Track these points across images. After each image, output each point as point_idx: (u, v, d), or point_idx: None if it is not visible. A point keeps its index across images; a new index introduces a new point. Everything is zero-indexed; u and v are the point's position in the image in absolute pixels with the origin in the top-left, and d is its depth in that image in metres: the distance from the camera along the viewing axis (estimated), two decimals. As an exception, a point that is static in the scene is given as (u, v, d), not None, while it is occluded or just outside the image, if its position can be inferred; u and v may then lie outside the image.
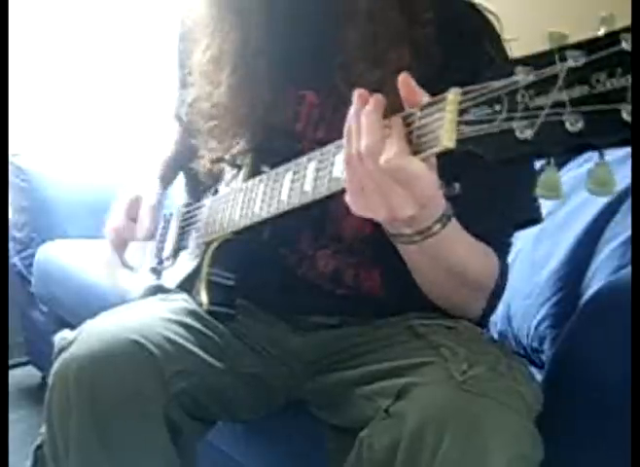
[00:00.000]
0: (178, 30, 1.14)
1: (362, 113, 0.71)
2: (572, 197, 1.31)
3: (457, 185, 0.77)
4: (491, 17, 0.94)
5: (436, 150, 0.65)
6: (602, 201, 1.23)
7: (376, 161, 0.68)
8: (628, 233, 1.13)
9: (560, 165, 1.30)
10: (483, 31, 0.92)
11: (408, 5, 0.90)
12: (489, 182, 0.83)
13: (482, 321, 0.94)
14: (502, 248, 0.93)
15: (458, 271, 0.84)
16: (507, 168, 0.83)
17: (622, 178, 1.20)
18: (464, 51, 0.80)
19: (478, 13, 0.94)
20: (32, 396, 2.12)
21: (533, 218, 0.95)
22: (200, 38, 1.02)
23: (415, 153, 0.68)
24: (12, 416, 1.69)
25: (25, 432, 1.83)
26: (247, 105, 0.97)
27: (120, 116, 2.44)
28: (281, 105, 0.97)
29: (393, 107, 0.71)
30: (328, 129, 0.80)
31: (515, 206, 0.91)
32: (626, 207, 1.18)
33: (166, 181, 1.21)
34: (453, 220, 0.78)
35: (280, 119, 0.97)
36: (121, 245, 1.14)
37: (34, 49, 2.33)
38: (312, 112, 0.97)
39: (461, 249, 0.82)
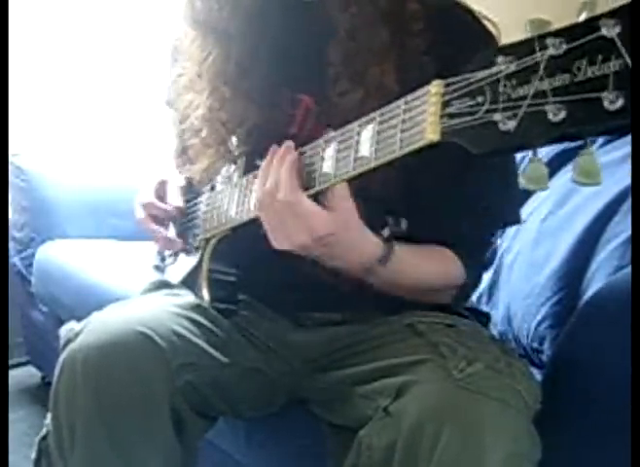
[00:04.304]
0: (171, 43, 1.15)
1: (272, 161, 0.83)
2: (572, 197, 1.31)
3: (404, 221, 0.86)
4: (489, 26, 0.93)
5: (420, 144, 0.65)
6: (602, 201, 1.23)
7: (276, 197, 0.80)
8: (628, 232, 1.13)
9: (559, 167, 1.31)
10: (481, 43, 0.91)
11: (396, 16, 0.89)
12: (474, 190, 0.91)
13: (455, 308, 0.98)
14: (477, 248, 0.99)
15: (413, 288, 0.93)
16: (490, 175, 0.88)
17: (622, 178, 1.20)
18: (461, 61, 0.81)
19: (476, 21, 0.93)
20: (32, 396, 2.13)
21: (513, 221, 1.02)
22: (186, 53, 1.02)
23: (306, 188, 0.80)
24: (12, 416, 1.69)
25: (25, 432, 1.83)
26: (235, 118, 0.97)
27: (120, 117, 2.44)
28: (275, 107, 0.97)
29: None
30: (323, 133, 0.81)
31: (498, 213, 0.97)
32: (626, 207, 1.18)
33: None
34: (398, 253, 0.87)
35: (273, 122, 0.97)
36: (150, 222, 1.12)
37: (34, 49, 2.33)
38: (308, 116, 0.97)
39: (412, 273, 0.91)
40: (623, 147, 1.27)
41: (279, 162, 0.82)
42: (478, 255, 0.99)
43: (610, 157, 1.25)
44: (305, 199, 0.79)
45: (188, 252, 1.12)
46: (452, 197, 0.92)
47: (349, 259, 0.85)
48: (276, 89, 0.97)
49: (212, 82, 0.98)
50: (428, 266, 0.93)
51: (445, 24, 0.90)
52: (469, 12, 0.94)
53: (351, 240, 0.83)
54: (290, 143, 0.84)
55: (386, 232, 0.86)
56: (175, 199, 1.09)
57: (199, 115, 0.99)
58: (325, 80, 0.92)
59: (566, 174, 1.32)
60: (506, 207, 0.98)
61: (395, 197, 0.90)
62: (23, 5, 2.25)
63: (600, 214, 1.23)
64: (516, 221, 1.01)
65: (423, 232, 0.91)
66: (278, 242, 0.83)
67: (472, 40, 0.90)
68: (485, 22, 0.93)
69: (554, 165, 1.29)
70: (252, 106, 0.97)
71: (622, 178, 1.20)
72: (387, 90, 0.86)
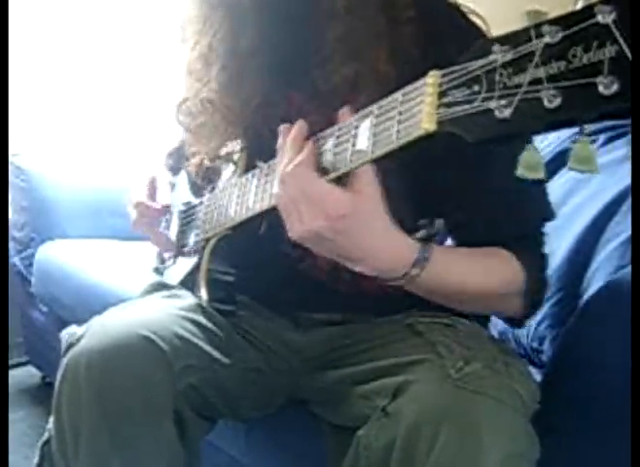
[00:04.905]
0: (179, 35, 1.14)
1: (286, 141, 0.80)
2: (572, 197, 1.31)
3: (440, 222, 0.83)
4: (478, 20, 0.93)
5: (416, 134, 0.65)
6: (602, 202, 1.23)
7: (285, 178, 0.76)
8: (628, 232, 1.13)
9: (559, 166, 1.31)
10: (467, 34, 0.90)
11: (389, 2, 0.89)
12: (514, 184, 0.84)
13: (522, 320, 0.93)
14: (536, 244, 0.92)
15: (463, 293, 0.86)
16: (507, 167, 0.85)
17: (622, 178, 1.20)
18: (446, 54, 0.81)
19: (461, 15, 0.93)
20: (32, 396, 2.13)
21: (548, 214, 0.95)
22: (190, 37, 1.01)
23: (324, 173, 0.76)
24: (12, 416, 1.70)
25: (25, 432, 1.84)
26: (238, 103, 0.96)
27: (119, 117, 2.44)
28: (272, 105, 0.97)
29: (368, 104, 0.74)
30: (312, 129, 0.81)
31: (538, 202, 0.92)
32: (626, 207, 1.18)
33: (173, 171, 1.24)
34: (439, 255, 0.80)
35: (270, 119, 0.97)
36: (145, 222, 1.16)
37: (34, 49, 2.33)
38: (298, 113, 0.97)
39: (458, 275, 0.84)
40: (624, 147, 1.27)
41: (291, 144, 0.79)
42: (539, 249, 0.92)
43: (610, 157, 1.25)
44: (317, 178, 0.75)
45: (184, 254, 1.13)
46: (484, 194, 0.88)
47: (379, 263, 0.78)
48: (272, 88, 0.97)
49: (222, 58, 0.96)
50: (477, 265, 0.86)
51: (431, 17, 0.90)
52: (455, 7, 0.94)
53: (375, 234, 0.76)
54: (302, 123, 0.81)
55: (421, 233, 0.82)
56: (164, 198, 1.14)
57: (208, 90, 0.98)
58: (314, 69, 0.91)
59: (566, 174, 1.32)
60: (538, 200, 0.92)
61: (425, 198, 0.88)
62: (23, 5, 2.25)
63: (600, 214, 1.23)
64: (552, 214, 0.95)
65: (467, 235, 0.87)
66: (294, 231, 0.77)
67: (459, 32, 0.90)
68: (474, 17, 0.93)
69: (554, 166, 1.29)
70: (256, 88, 0.96)
71: (622, 178, 1.20)
72: (382, 72, 0.85)
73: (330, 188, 0.74)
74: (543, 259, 0.92)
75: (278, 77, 0.96)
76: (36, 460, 0.96)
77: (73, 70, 2.42)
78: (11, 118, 1.54)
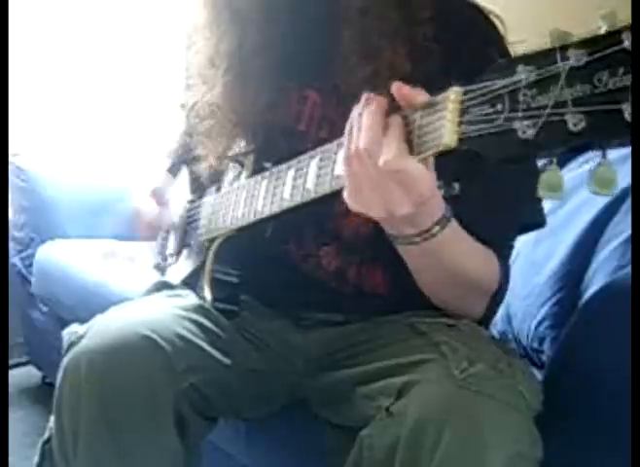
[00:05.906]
0: (184, 42, 1.14)
1: (364, 113, 0.72)
2: (572, 197, 1.31)
3: (457, 185, 0.79)
4: (495, 20, 0.93)
5: (437, 149, 0.65)
6: (602, 201, 1.23)
7: (374, 161, 0.69)
8: (628, 232, 1.13)
9: (560, 166, 1.31)
10: (486, 33, 0.92)
11: (406, 3, 0.89)
12: (494, 184, 0.84)
13: (484, 322, 0.94)
14: (505, 251, 0.93)
15: (458, 273, 0.85)
16: (510, 170, 0.85)
17: (622, 178, 1.20)
18: (467, 53, 0.80)
19: (480, 14, 0.94)
20: (32, 396, 2.13)
21: (536, 221, 0.96)
22: (198, 41, 1.02)
23: (416, 153, 0.69)
24: (12, 417, 1.69)
25: (25, 432, 1.83)
26: (244, 104, 0.97)
27: (119, 116, 2.44)
28: (283, 105, 0.97)
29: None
30: (331, 129, 0.80)
31: (519, 209, 0.91)
32: (626, 207, 1.18)
33: (174, 171, 1.23)
34: (453, 222, 0.78)
35: (282, 119, 0.97)
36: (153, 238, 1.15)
37: (34, 49, 2.33)
38: (315, 112, 0.97)
39: (461, 251, 0.83)
40: (623, 147, 1.27)
41: (376, 116, 0.70)
42: (506, 258, 0.93)
43: (610, 156, 1.25)
44: (413, 164, 0.68)
45: (186, 253, 1.12)
46: (484, 192, 0.84)
47: (417, 216, 0.74)
48: (282, 87, 0.97)
49: (227, 60, 0.97)
50: (480, 250, 0.85)
51: (449, 16, 0.91)
52: (473, 6, 0.95)
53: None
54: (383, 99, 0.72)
55: (442, 192, 0.77)
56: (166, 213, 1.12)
57: (215, 92, 0.98)
58: (334, 66, 0.91)
59: (567, 174, 1.32)
60: (529, 207, 0.92)
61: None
62: (23, 5, 2.25)
63: (600, 214, 1.23)
64: (541, 222, 0.96)
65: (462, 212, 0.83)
66: (366, 207, 0.72)
67: (476, 33, 0.91)
68: (492, 17, 0.94)
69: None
70: (263, 89, 0.96)
71: (623, 178, 1.19)
72: (398, 70, 0.85)
73: (424, 172, 0.69)
74: (508, 269, 0.93)
75: (288, 76, 0.96)
76: (36, 459, 0.96)
77: (73, 70, 2.42)
78: (11, 118, 1.54)
